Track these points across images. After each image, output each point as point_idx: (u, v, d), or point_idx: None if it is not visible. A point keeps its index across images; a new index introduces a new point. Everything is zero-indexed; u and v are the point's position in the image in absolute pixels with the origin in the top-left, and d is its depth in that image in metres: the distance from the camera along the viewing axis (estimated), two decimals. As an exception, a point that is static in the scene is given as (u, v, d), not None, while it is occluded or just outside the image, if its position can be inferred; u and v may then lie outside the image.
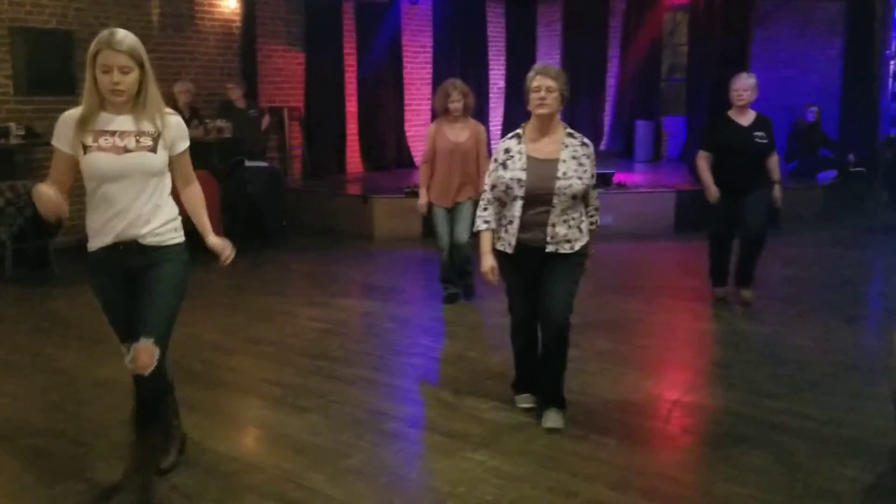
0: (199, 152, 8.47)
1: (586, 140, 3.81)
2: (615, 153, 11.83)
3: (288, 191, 9.88)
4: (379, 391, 4.57)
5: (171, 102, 8.62)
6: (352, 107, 11.85)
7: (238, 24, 10.13)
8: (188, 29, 9.60)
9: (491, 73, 13.73)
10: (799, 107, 10.89)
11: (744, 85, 5.83)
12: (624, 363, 4.90)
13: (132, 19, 8.96)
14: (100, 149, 3.05)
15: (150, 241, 3.17)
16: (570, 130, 3.80)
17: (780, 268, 7.33)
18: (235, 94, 9.22)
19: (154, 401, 3.48)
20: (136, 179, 3.10)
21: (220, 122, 8.92)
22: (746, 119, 5.88)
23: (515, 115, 14.03)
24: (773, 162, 5.93)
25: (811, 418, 4.01)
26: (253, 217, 8.94)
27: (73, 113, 3.10)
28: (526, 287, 3.87)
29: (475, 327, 5.83)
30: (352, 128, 11.91)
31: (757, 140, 5.81)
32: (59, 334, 5.69)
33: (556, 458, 3.60)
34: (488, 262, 3.81)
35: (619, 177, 9.60)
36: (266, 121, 9.62)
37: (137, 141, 3.10)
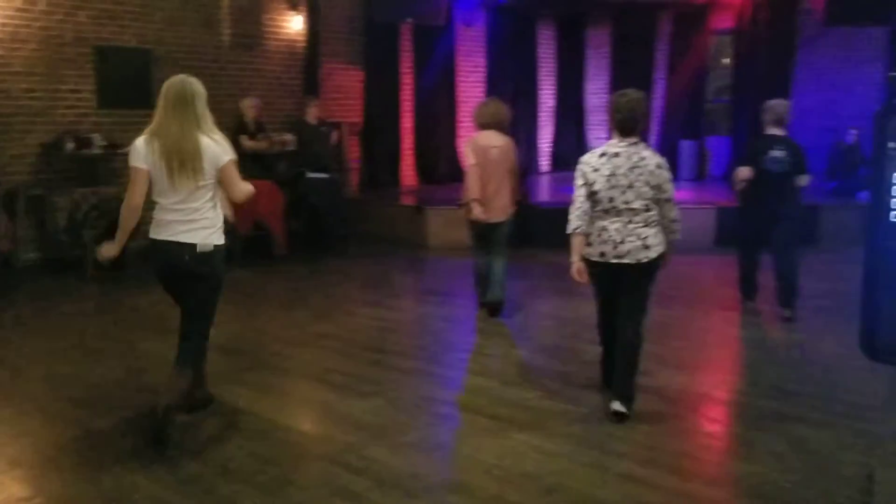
0: (265, 163, 9.12)
1: None
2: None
3: (347, 201, 10.42)
4: (433, 380, 5.03)
5: (240, 117, 9.26)
6: (407, 123, 12.39)
7: (303, 43, 10.75)
8: (256, 48, 10.23)
9: (541, 92, 14.21)
10: (841, 128, 11.12)
11: None
12: (660, 362, 5.25)
13: (205, 39, 9.64)
14: None
15: None
16: None
17: (815, 282, 7.57)
18: (313, 111, 9.74)
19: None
20: None
21: (285, 136, 9.49)
22: None
23: (565, 134, 14.48)
24: None
25: (832, 413, 4.34)
26: (314, 225, 9.51)
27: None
28: None
29: (522, 329, 6.23)
30: (407, 142, 12.45)
31: None
32: (140, 326, 6.26)
33: (592, 439, 4.02)
34: None
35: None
36: (335, 136, 10.18)
37: None
